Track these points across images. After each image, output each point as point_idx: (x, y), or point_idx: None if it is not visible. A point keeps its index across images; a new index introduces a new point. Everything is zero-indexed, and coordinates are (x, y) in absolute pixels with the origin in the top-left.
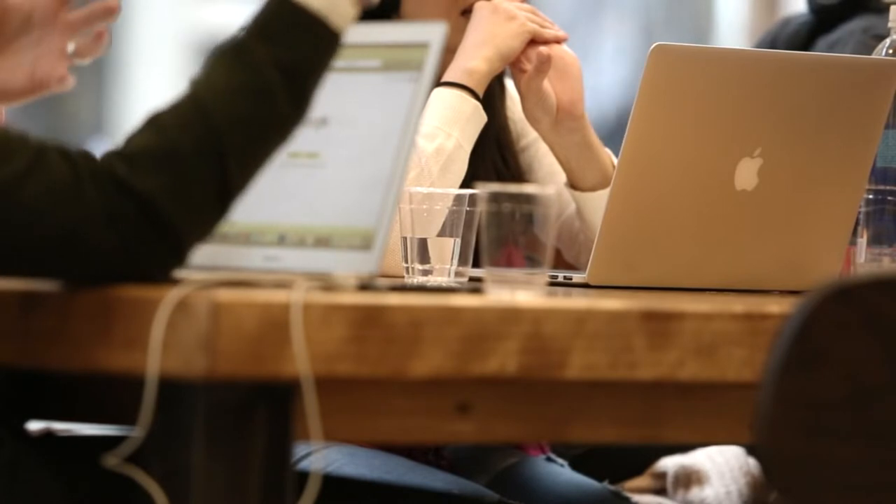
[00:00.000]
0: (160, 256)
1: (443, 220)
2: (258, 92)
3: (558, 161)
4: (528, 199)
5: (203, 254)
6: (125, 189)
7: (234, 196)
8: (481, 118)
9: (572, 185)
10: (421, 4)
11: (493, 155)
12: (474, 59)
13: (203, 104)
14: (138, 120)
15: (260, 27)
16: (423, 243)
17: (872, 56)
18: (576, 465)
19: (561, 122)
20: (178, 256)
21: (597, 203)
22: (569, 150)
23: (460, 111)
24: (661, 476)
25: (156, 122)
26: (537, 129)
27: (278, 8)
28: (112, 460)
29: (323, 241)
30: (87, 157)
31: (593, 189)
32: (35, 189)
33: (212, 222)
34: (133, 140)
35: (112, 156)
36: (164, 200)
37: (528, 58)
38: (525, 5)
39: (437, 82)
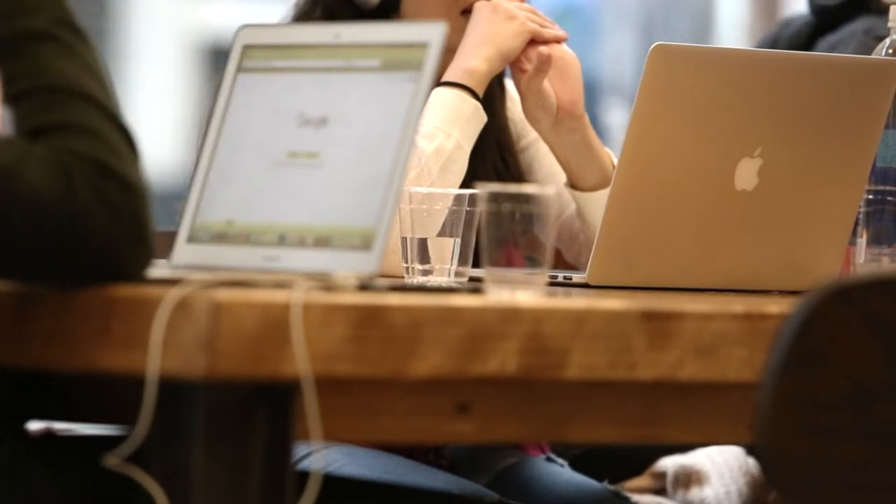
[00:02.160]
0: (139, 221)
1: (443, 220)
2: (67, 48)
3: (558, 161)
4: (527, 199)
5: (203, 253)
6: (108, 173)
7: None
8: (481, 118)
9: (572, 185)
10: (420, 4)
11: (493, 156)
12: (474, 59)
13: (62, 85)
14: (142, 121)
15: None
16: (422, 243)
17: (872, 56)
18: (576, 465)
19: (561, 121)
20: (147, 216)
21: (597, 203)
22: (569, 150)
23: (460, 111)
24: (661, 476)
25: (55, 115)
26: (537, 129)
27: None
28: (112, 460)
29: (323, 241)
30: (74, 152)
31: (593, 189)
32: (27, 179)
33: (139, 167)
34: (56, 139)
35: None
36: (132, 173)
37: (528, 57)
38: (525, 5)
39: (437, 82)
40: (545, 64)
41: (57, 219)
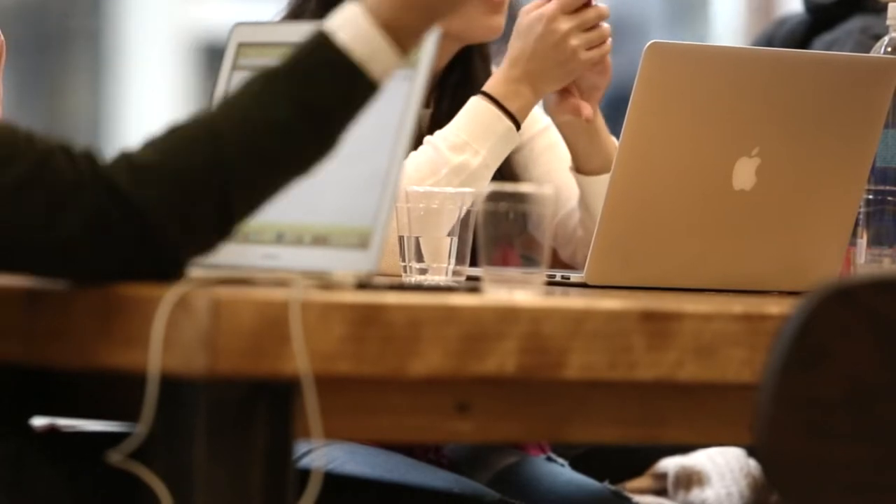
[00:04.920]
0: (153, 267)
1: (451, 221)
2: (274, 127)
3: (566, 142)
4: (524, 198)
5: None
6: (121, 199)
7: (235, 223)
8: (513, 140)
9: (577, 168)
10: None
11: None
12: (526, 86)
13: (219, 131)
14: (137, 120)
15: (296, 63)
16: (419, 242)
17: (871, 54)
18: (576, 465)
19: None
20: (172, 268)
21: (598, 188)
22: (578, 134)
23: (493, 129)
24: (662, 477)
25: (172, 137)
26: (553, 118)
27: (319, 49)
28: (116, 457)
29: (321, 240)
30: (92, 159)
31: (595, 173)
32: (37, 196)
33: (210, 244)
34: (146, 149)
35: (122, 161)
36: (157, 215)
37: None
38: (587, 16)
39: (438, 78)
40: (586, 117)
41: (55, 237)
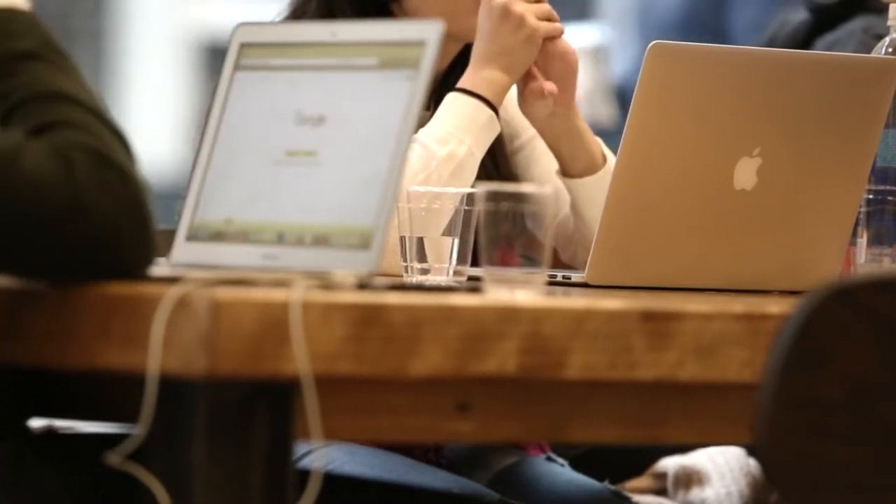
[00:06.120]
0: (142, 210)
1: (447, 219)
2: (55, 66)
3: (549, 147)
4: (525, 198)
5: (202, 252)
6: (107, 162)
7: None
8: (495, 128)
9: (563, 171)
10: None
11: (484, 159)
12: (493, 70)
13: (38, 90)
14: (138, 119)
15: None
16: (421, 242)
17: (872, 55)
18: (576, 465)
19: (554, 113)
20: (149, 208)
21: (585, 190)
22: (559, 137)
23: (474, 119)
24: (662, 476)
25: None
26: (530, 120)
27: None
28: (114, 458)
29: (321, 240)
30: (73, 143)
31: (581, 175)
32: (28, 163)
33: (134, 170)
34: (63, 140)
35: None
36: (131, 166)
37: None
38: (534, 6)
39: (439, 79)
40: (551, 94)
41: (58, 204)
